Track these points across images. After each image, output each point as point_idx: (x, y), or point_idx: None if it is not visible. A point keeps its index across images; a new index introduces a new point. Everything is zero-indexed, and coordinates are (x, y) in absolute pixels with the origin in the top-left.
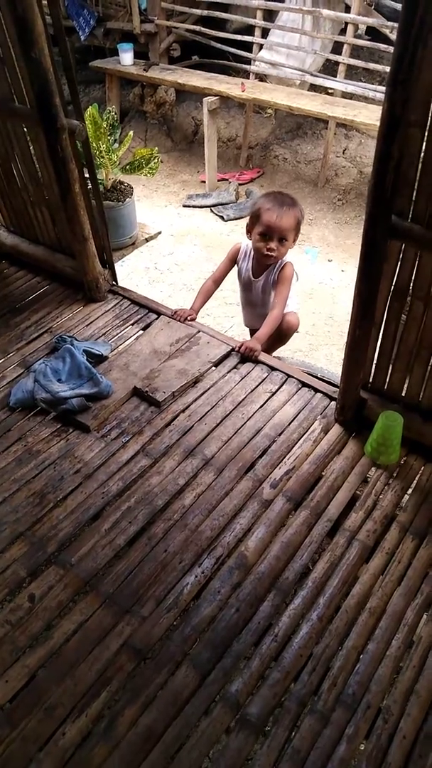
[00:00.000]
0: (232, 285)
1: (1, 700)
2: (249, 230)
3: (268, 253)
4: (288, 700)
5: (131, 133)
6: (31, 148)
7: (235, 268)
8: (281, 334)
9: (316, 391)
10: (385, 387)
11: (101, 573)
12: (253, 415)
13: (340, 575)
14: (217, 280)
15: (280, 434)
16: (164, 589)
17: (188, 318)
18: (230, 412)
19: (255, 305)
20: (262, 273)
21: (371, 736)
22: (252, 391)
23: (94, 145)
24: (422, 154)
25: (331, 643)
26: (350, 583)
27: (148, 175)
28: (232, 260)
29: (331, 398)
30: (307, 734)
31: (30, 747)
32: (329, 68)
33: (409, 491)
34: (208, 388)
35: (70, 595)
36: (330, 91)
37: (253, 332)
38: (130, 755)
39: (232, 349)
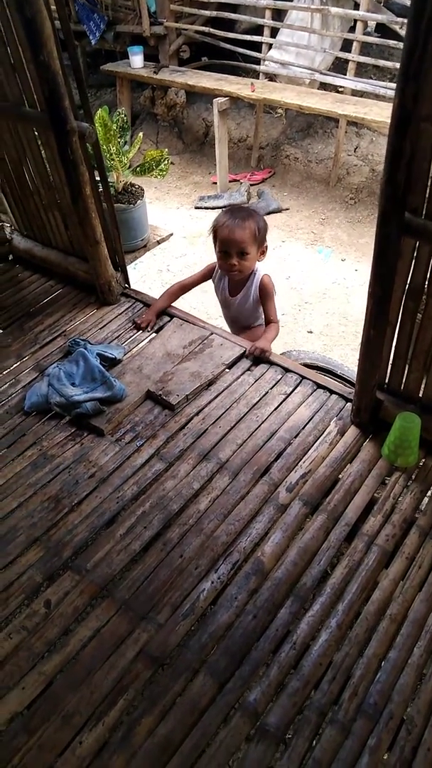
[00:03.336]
0: None
1: (19, 707)
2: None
3: (231, 270)
4: (308, 710)
5: (141, 134)
6: (42, 151)
7: (210, 284)
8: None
9: (332, 392)
10: (402, 388)
11: (117, 579)
12: (267, 417)
13: (359, 581)
14: (186, 287)
15: (295, 437)
16: (180, 596)
17: (146, 324)
18: (244, 415)
19: (237, 320)
20: (240, 291)
21: (394, 747)
22: (266, 393)
23: (105, 147)
24: None
25: (351, 651)
26: (370, 589)
27: (159, 176)
28: (206, 276)
29: (347, 400)
30: (329, 745)
31: (47, 755)
32: (339, 66)
33: (429, 494)
34: (222, 391)
35: (86, 601)
36: (340, 89)
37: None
38: (148, 765)
39: (246, 351)
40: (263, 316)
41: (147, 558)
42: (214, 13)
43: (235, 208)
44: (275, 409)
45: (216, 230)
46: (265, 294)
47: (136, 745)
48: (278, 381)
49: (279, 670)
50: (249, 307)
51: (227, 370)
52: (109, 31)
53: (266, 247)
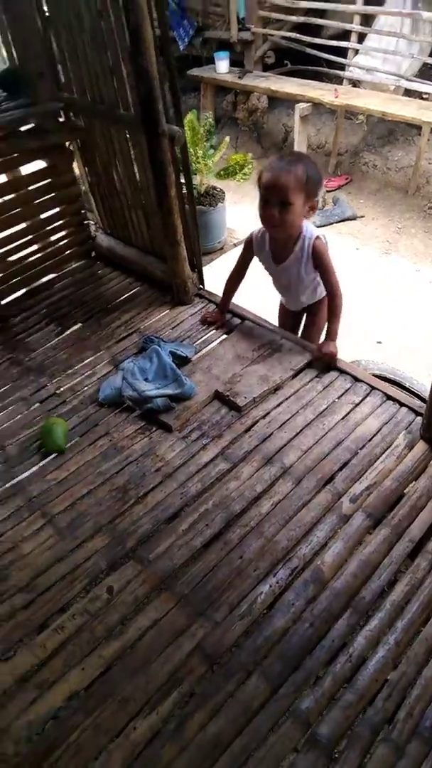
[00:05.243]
0: None
1: (78, 686)
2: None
3: (270, 222)
4: (360, 725)
5: (227, 138)
6: (131, 153)
7: (256, 259)
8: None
9: (402, 405)
10: None
11: (177, 573)
12: (334, 426)
13: (420, 599)
14: (239, 272)
15: (361, 448)
16: (238, 596)
17: (217, 323)
18: (311, 422)
19: (289, 288)
20: (286, 257)
21: None
22: (334, 401)
23: (191, 150)
24: None
25: (408, 670)
26: (431, 609)
27: (241, 180)
28: (248, 249)
29: (417, 413)
30: (380, 764)
31: (102, 738)
32: (426, 72)
33: None
34: (289, 396)
35: (147, 592)
36: (425, 96)
37: (292, 312)
38: (199, 759)
39: (312, 357)
40: (323, 290)
41: (207, 555)
42: (301, 19)
43: (285, 153)
44: (343, 418)
45: (260, 177)
46: (320, 261)
47: (188, 738)
48: (347, 390)
49: (333, 682)
50: (302, 276)
51: (295, 375)
52: (197, 36)
53: (316, 202)
